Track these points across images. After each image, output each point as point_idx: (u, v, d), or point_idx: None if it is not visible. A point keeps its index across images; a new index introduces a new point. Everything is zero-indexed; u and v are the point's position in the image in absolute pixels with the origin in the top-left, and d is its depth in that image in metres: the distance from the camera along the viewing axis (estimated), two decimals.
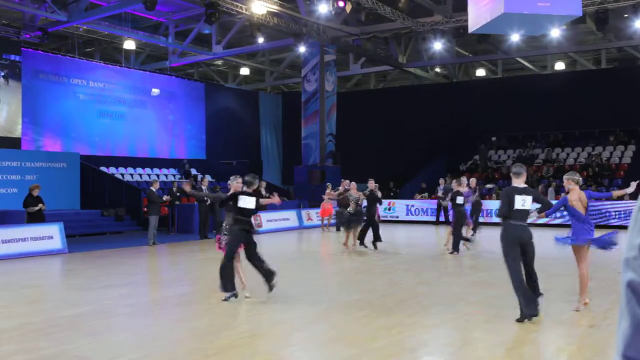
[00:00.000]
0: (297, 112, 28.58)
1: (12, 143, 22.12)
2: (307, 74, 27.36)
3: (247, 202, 8.49)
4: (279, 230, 21.08)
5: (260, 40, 25.35)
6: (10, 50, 22.53)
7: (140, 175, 26.27)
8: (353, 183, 15.95)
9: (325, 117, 27.19)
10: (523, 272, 7.08)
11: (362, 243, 14.72)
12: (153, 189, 16.94)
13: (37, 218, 15.01)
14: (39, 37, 23.07)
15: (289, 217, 22.28)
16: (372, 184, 14.48)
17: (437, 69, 33.38)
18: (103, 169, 24.25)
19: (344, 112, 29.29)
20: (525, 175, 7.45)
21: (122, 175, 25.24)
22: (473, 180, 17.01)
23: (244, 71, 32.70)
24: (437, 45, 25.67)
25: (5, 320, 7.40)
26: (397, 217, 24.49)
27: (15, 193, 19.35)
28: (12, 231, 14.17)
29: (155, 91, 28.74)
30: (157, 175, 26.52)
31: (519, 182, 7.36)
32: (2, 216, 17.06)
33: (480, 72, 33.17)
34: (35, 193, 15.17)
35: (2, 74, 22.16)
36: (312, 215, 23.31)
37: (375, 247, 14.52)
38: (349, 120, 30.52)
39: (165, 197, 17.91)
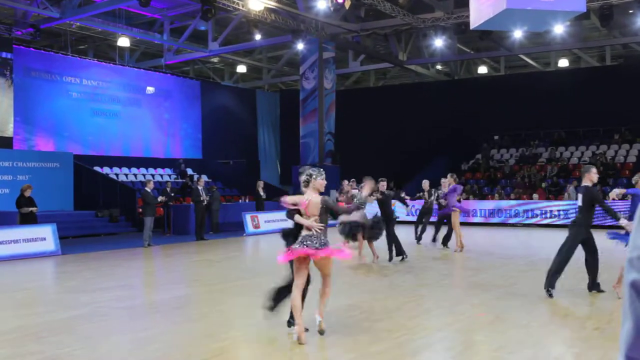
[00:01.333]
0: (295, 111, 28.58)
1: (3, 142, 22.12)
2: (305, 71, 27.35)
3: None
4: (277, 232, 21.03)
5: (258, 37, 25.36)
6: (2, 47, 22.53)
7: (135, 175, 26.28)
8: (347, 181, 15.91)
9: (324, 115, 27.19)
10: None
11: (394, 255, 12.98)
12: (148, 189, 16.93)
13: (29, 219, 15.01)
14: (31, 34, 23.08)
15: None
16: (383, 186, 13.22)
17: (438, 67, 33.38)
18: (97, 168, 24.26)
19: (343, 110, 29.29)
20: (589, 175, 8.44)
21: (117, 175, 25.24)
22: (425, 183, 16.81)
23: (241, 69, 32.72)
24: (438, 42, 25.67)
25: None
26: (398, 217, 24.45)
27: (7, 194, 19.37)
28: (4, 233, 14.18)
29: (150, 89, 28.73)
30: (152, 175, 26.53)
31: (583, 182, 8.54)
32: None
33: (483, 70, 33.19)
34: (28, 194, 15.16)
35: None
36: None
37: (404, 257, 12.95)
38: (348, 118, 30.52)
39: (160, 198, 17.88)
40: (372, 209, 13.88)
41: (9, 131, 22.61)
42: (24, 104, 23.67)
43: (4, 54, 22.58)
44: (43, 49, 25.94)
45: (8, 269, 12.02)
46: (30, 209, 15.04)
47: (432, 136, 30.78)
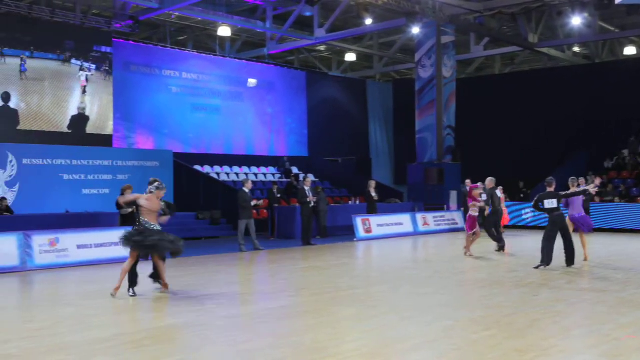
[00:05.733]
0: (411, 102, 28.39)
1: (103, 140, 23.38)
2: (421, 58, 27.10)
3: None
4: (391, 236, 21.02)
5: (368, 21, 25.36)
6: (101, 41, 23.78)
7: (237, 174, 27.02)
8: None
9: (443, 107, 26.83)
10: None
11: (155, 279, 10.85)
12: (246, 189, 17.16)
13: (130, 221, 15.68)
14: (130, 27, 24.26)
15: (403, 221, 22.16)
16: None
17: (576, 49, 32.18)
18: (197, 167, 25.10)
19: (464, 101, 28.80)
20: None
21: (218, 174, 26.04)
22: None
23: (350, 57, 32.84)
24: (576, 20, 24.70)
25: (98, 330, 7.81)
26: (527, 222, 23.80)
27: (107, 194, 20.43)
28: (106, 235, 14.96)
29: (252, 82, 29.44)
30: (255, 175, 27.13)
31: None
32: (95, 219, 18.02)
33: (630, 51, 31.54)
34: (128, 194, 15.86)
35: (94, 67, 23.47)
36: (429, 220, 23.06)
37: None
38: (470, 110, 29.96)
39: (254, 202, 17.89)
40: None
41: (108, 129, 23.87)
42: (124, 100, 24.88)
43: (103, 48, 23.84)
44: (142, 42, 27.19)
45: (110, 273, 12.63)
46: (131, 209, 15.73)
47: (569, 129, 29.67)
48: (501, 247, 16.26)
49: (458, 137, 27.69)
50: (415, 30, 26.07)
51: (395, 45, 31.62)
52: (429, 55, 26.81)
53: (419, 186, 26.48)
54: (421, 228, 22.55)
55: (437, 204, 24.99)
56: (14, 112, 21.73)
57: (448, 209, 25.19)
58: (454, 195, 25.67)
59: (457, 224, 23.81)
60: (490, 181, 16.45)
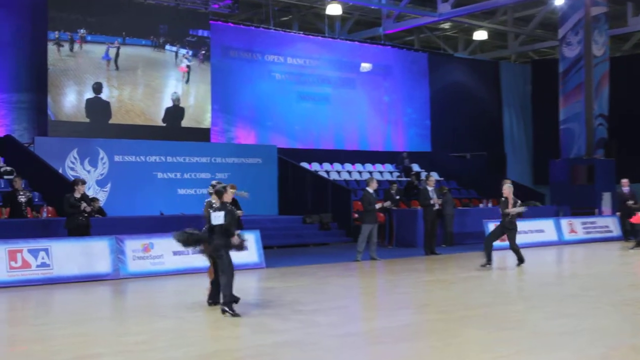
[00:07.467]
0: (554, 87, 27.76)
1: (200, 135, 24.00)
2: (566, 34, 26.45)
3: None
4: (530, 246, 20.50)
5: None
6: (198, 24, 24.46)
7: (349, 172, 27.12)
8: None
9: (593, 92, 26.05)
10: None
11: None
12: (370, 189, 17.15)
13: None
14: (229, 7, 24.81)
15: (544, 228, 21.63)
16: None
17: None
18: (304, 164, 25.36)
19: (620, 84, 27.85)
20: None
21: (327, 172, 26.20)
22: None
23: (480, 35, 32.38)
24: None
25: (197, 346, 8.03)
26: None
27: (205, 194, 20.90)
28: None
29: (366, 66, 29.51)
30: (370, 173, 27.15)
31: None
32: (192, 222, 18.48)
33: None
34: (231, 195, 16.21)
35: (190, 53, 24.15)
36: (577, 227, 22.38)
37: None
38: (627, 95, 28.91)
39: (380, 205, 17.76)
40: None
41: (206, 122, 24.53)
42: (223, 89, 25.51)
43: (200, 32, 24.53)
44: (242, 24, 27.78)
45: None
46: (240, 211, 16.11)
47: None
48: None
49: (612, 128, 26.81)
50: (559, 1, 25.39)
51: (534, 20, 30.87)
52: (575, 31, 26.11)
53: (564, 186, 25.83)
54: (567, 236, 21.92)
55: (586, 208, 24.24)
56: (106, 105, 22.59)
57: (600, 214, 24.36)
58: (607, 197, 24.81)
59: (611, 231, 22.99)
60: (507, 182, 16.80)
